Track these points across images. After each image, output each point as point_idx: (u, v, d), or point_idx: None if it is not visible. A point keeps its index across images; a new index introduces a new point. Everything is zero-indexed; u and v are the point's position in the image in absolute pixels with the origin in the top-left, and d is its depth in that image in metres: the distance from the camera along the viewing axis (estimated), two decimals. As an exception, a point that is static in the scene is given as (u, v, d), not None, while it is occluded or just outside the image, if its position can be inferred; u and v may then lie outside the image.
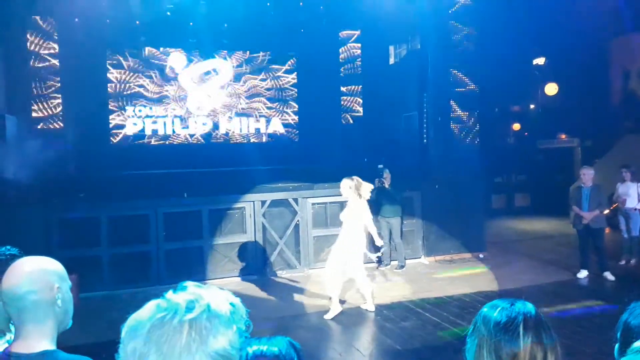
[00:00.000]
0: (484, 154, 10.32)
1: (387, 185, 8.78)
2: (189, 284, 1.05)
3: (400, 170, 9.43)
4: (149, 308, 0.99)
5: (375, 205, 8.30)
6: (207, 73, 11.77)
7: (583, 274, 7.89)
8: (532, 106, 16.74)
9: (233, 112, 11.92)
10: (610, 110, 13.70)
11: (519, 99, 16.21)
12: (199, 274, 7.91)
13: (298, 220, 8.85)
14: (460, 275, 8.44)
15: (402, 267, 8.80)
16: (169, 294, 1.01)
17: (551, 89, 14.52)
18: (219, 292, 1.06)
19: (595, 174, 7.93)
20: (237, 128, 11.94)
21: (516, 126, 17.14)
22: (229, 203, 8.60)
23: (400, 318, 6.36)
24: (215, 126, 11.80)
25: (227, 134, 11.88)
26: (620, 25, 12.65)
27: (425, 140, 10.26)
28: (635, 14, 12.03)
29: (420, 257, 9.46)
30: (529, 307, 1.33)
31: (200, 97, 11.69)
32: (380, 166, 8.90)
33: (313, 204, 9.00)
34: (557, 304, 6.75)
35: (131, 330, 0.97)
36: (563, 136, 15.54)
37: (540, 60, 15.63)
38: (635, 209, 8.65)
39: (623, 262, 8.62)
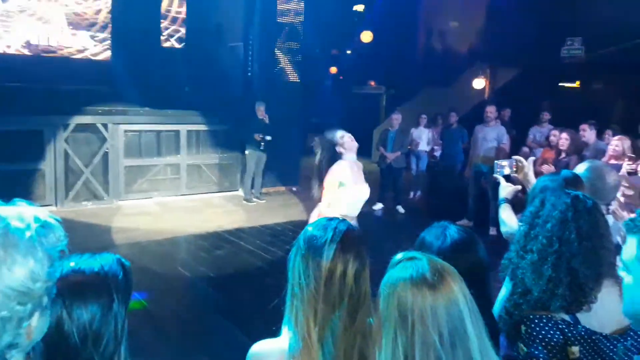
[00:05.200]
0: (303, 93, 10.69)
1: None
2: None
3: (223, 101, 9.27)
4: None
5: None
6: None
7: (378, 206, 8.93)
8: (348, 51, 17.65)
9: (31, 19, 10.13)
10: (414, 63, 15.25)
11: (338, 43, 16.90)
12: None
13: (107, 148, 8.19)
14: (275, 207, 8.86)
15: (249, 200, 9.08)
16: None
17: (366, 36, 15.33)
18: (27, 210, 0.91)
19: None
20: (34, 39, 10.22)
21: (333, 69, 17.95)
22: (22, 124, 7.51)
23: (215, 247, 6.50)
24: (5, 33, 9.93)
25: (22, 44, 10.11)
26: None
27: (249, 74, 10.19)
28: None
29: (237, 190, 9.64)
30: (344, 224, 1.40)
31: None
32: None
33: (126, 131, 8.41)
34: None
35: None
36: (372, 83, 16.88)
37: (359, 7, 16.43)
38: (425, 151, 10.05)
39: (411, 196, 10.00)
